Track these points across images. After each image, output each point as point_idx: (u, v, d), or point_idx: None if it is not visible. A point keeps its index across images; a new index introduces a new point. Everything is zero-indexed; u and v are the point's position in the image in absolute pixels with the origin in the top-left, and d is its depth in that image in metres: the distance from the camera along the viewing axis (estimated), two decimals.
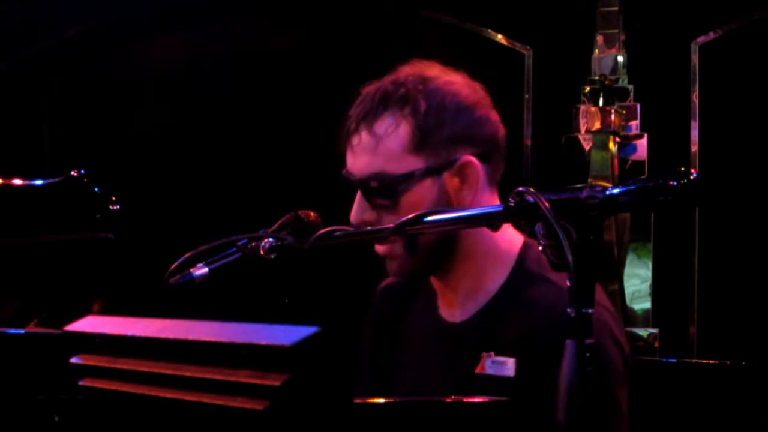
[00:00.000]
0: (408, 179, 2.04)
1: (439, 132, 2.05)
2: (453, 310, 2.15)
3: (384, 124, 2.06)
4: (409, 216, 1.70)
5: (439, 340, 2.15)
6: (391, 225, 1.72)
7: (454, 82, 2.11)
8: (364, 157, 2.08)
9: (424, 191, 2.05)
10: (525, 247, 2.11)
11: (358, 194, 2.10)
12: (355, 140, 2.09)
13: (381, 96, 2.08)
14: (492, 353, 2.02)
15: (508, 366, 2.00)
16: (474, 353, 2.05)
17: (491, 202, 2.11)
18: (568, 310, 1.41)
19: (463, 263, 2.10)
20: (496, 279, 2.10)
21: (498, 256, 2.11)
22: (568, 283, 1.96)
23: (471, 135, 2.07)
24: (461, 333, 2.11)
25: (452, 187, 2.06)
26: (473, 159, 2.06)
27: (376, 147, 2.06)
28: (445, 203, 2.05)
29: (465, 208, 2.02)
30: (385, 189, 2.05)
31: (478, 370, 2.04)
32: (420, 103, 2.06)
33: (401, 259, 2.10)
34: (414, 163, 2.05)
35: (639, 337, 4.10)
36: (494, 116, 2.12)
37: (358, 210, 2.09)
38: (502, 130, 2.12)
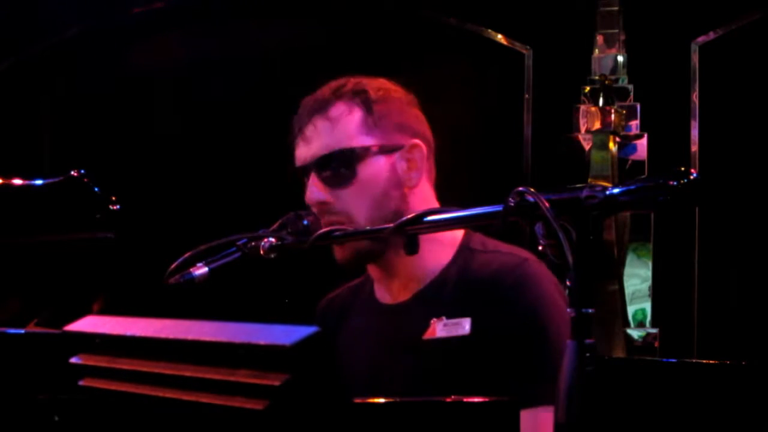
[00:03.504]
0: (365, 152, 2.16)
1: (388, 117, 2.19)
2: (394, 294, 2.22)
3: (338, 109, 2.19)
4: (409, 216, 1.71)
5: (383, 323, 2.21)
6: (391, 225, 1.73)
7: (392, 83, 2.27)
8: (320, 140, 2.18)
9: (379, 167, 2.17)
10: (468, 234, 2.22)
11: (311, 177, 2.18)
12: (308, 130, 2.20)
13: (332, 89, 2.21)
14: (443, 318, 2.08)
15: (462, 325, 2.07)
16: (422, 324, 2.10)
17: (429, 197, 2.24)
18: (568, 310, 1.41)
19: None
20: (439, 260, 2.20)
21: (437, 240, 2.19)
22: (520, 255, 2.07)
23: (414, 127, 2.23)
24: (405, 310, 2.17)
25: (401, 169, 2.18)
26: (420, 143, 2.21)
27: (332, 128, 2.17)
28: (395, 183, 2.17)
29: (411, 191, 2.17)
30: (343, 163, 2.15)
31: (427, 336, 2.09)
32: (370, 94, 2.20)
33: (348, 245, 2.15)
34: (368, 141, 2.17)
35: (638, 337, 4.10)
36: (426, 122, 2.27)
37: (314, 191, 2.18)
38: (432, 140, 2.27)
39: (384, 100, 2.21)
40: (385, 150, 2.18)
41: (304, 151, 2.21)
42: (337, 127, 2.17)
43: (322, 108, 2.19)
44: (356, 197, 2.15)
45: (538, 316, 2.04)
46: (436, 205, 2.23)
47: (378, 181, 2.16)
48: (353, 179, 2.15)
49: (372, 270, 2.27)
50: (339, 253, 2.19)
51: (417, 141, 2.20)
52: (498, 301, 2.06)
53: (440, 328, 2.10)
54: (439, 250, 2.19)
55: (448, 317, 2.10)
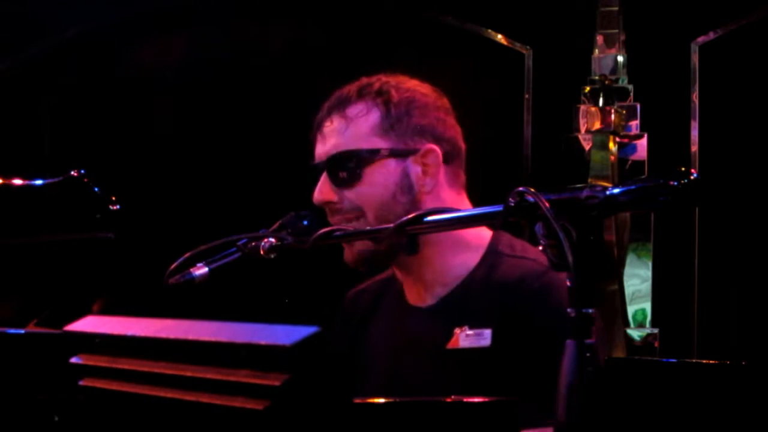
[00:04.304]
0: (373, 155, 2.15)
1: (407, 121, 2.17)
2: (421, 297, 2.20)
3: (356, 108, 2.18)
4: (409, 216, 1.70)
5: (408, 325, 2.20)
6: (391, 225, 1.72)
7: (425, 86, 2.25)
8: (333, 139, 2.17)
9: (388, 171, 2.16)
10: (496, 236, 2.20)
11: (323, 175, 2.18)
12: (326, 125, 2.19)
13: (357, 88, 2.20)
14: (465, 327, 2.07)
15: (484, 336, 2.06)
16: (446, 331, 2.09)
17: (456, 200, 2.21)
18: (568, 310, 1.41)
19: (426, 250, 2.14)
20: (466, 263, 2.18)
21: (465, 243, 2.18)
22: (546, 262, 2.06)
23: (436, 131, 2.20)
24: (431, 315, 2.16)
25: (415, 173, 2.16)
26: (436, 148, 2.18)
27: (347, 128, 2.16)
28: (407, 188, 2.16)
29: (425, 197, 2.16)
30: (350, 164, 2.14)
31: (450, 346, 2.08)
32: (392, 94, 2.18)
33: (359, 247, 2.14)
34: (381, 144, 2.16)
35: (638, 337, 4.10)
36: (457, 126, 2.25)
37: (321, 189, 2.18)
38: (462, 142, 2.25)
39: (406, 103, 2.18)
40: (397, 153, 2.16)
41: (320, 149, 2.21)
42: (351, 126, 2.17)
43: (342, 105, 2.19)
44: (362, 198, 2.14)
45: (564, 325, 2.01)
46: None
47: (385, 184, 2.15)
48: (358, 181, 2.14)
49: (396, 271, 2.25)
50: (346, 255, 2.19)
51: (432, 146, 2.18)
52: (522, 308, 2.04)
53: (463, 339, 2.08)
54: (466, 252, 2.17)
55: (474, 324, 2.08)
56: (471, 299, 2.12)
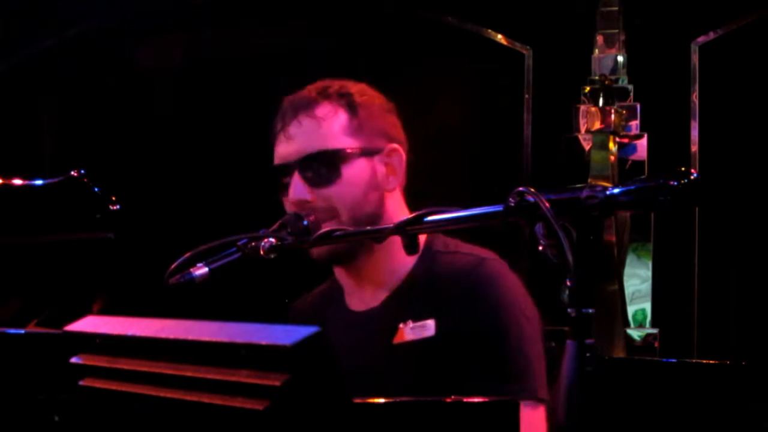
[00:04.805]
0: (349, 154, 2.19)
1: (371, 122, 2.23)
2: (363, 301, 2.24)
3: (324, 109, 2.21)
4: (409, 216, 1.71)
5: (350, 330, 2.22)
6: (391, 225, 1.73)
7: (376, 91, 2.31)
8: (304, 140, 2.20)
9: (361, 169, 2.20)
10: (431, 237, 2.24)
11: (294, 176, 2.20)
12: (292, 127, 2.22)
13: (318, 90, 2.24)
14: (409, 321, 2.10)
15: (427, 327, 2.12)
16: (392, 329, 2.12)
17: (402, 203, 2.27)
18: (569, 310, 1.41)
19: (378, 252, 2.17)
20: (404, 265, 2.22)
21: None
22: (480, 254, 2.09)
23: (392, 133, 2.27)
24: (375, 316, 2.19)
25: (380, 172, 2.22)
26: (399, 148, 2.25)
27: (318, 128, 2.20)
28: (374, 186, 2.21)
29: (388, 195, 2.22)
30: (327, 164, 2.18)
31: (397, 341, 2.12)
32: (355, 98, 2.23)
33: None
34: (352, 143, 2.21)
35: (638, 337, 4.10)
36: (403, 132, 2.31)
37: (297, 190, 2.20)
38: (407, 147, 2.30)
39: (367, 105, 2.24)
40: (366, 152, 2.21)
41: (286, 148, 2.23)
42: (322, 126, 2.20)
43: (308, 106, 2.22)
44: (338, 197, 2.18)
45: (498, 315, 2.08)
46: (406, 211, 2.26)
47: (359, 183, 2.19)
48: (337, 179, 2.18)
49: (342, 278, 2.28)
50: (315, 250, 2.21)
51: (396, 146, 2.24)
52: (459, 302, 2.11)
53: (408, 332, 2.14)
54: (404, 254, 2.20)
55: (417, 320, 2.12)
56: (411, 298, 2.18)
